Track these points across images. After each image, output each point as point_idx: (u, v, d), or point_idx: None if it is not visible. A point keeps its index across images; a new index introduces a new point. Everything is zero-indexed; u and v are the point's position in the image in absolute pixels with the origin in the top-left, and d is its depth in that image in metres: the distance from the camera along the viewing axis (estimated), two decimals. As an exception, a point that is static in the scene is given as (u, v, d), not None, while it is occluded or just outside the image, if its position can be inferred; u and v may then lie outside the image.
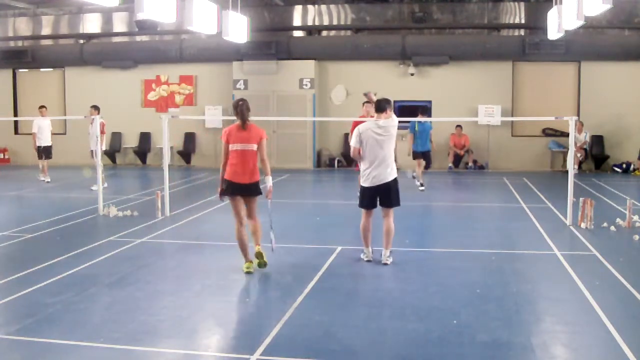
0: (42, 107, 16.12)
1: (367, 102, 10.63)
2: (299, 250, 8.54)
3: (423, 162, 14.41)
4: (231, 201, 7.29)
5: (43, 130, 15.72)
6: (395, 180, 7.61)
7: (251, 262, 7.24)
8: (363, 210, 7.69)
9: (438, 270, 7.49)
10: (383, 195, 7.57)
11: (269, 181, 7.36)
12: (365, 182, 7.57)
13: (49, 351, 4.93)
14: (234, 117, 7.27)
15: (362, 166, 7.59)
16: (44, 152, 15.81)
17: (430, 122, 14.81)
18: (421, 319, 5.67)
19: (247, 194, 7.26)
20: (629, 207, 9.90)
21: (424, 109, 15.28)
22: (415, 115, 14.49)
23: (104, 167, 14.48)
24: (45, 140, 15.74)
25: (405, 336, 5.25)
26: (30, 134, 16.12)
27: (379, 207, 7.67)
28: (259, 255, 7.20)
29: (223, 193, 7.28)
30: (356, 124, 11.72)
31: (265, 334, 5.22)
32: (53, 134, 16.20)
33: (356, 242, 8.86)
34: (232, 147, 7.18)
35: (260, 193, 7.39)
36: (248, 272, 7.16)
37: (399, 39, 18.95)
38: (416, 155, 14.39)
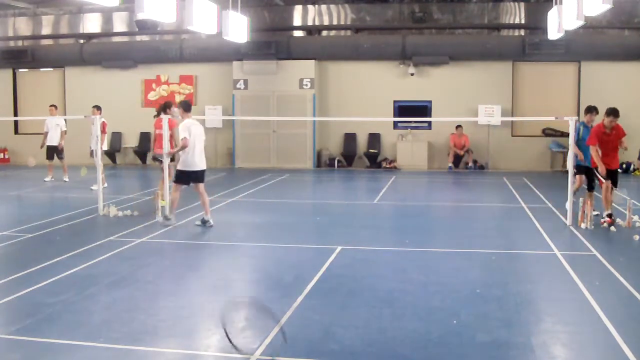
0: (50, 105, 16.11)
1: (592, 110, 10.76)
2: (299, 250, 8.54)
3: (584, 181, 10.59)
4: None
5: (49, 129, 15.65)
6: None
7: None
8: (175, 185, 9.98)
9: (438, 270, 7.48)
10: (199, 176, 9.98)
11: None
12: (188, 167, 9.83)
13: (49, 351, 4.93)
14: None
15: (184, 154, 9.78)
16: (48, 152, 15.79)
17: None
18: (421, 319, 5.67)
19: None
20: (629, 207, 9.90)
21: (593, 108, 10.82)
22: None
23: (104, 167, 14.46)
24: (49, 140, 15.69)
25: (405, 336, 5.25)
26: (31, 133, 16.08)
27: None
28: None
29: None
30: (596, 129, 9.86)
31: (265, 334, 5.22)
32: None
33: (356, 242, 8.90)
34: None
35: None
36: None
37: (399, 39, 18.96)
38: (580, 169, 10.48)
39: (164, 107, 11.66)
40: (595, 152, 9.75)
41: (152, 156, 11.58)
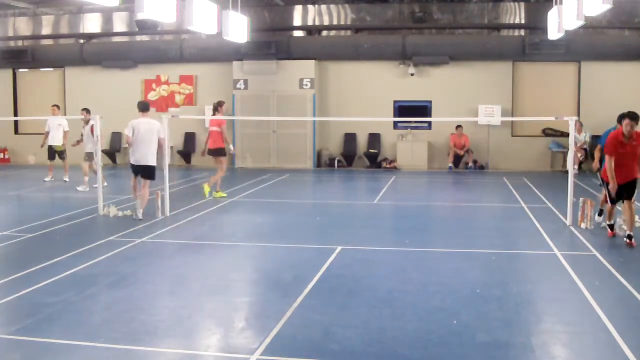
0: (53, 105, 16.10)
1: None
2: (299, 250, 8.54)
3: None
4: None
5: (51, 129, 15.59)
6: (154, 163, 10.69)
7: None
8: (134, 178, 10.83)
9: (438, 270, 7.48)
10: (143, 171, 10.61)
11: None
12: (131, 161, 10.64)
13: (49, 351, 4.93)
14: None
15: (134, 149, 10.54)
16: (49, 152, 15.73)
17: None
18: (421, 319, 5.67)
19: None
20: (629, 207, 9.87)
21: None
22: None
23: (104, 167, 14.46)
24: (51, 140, 15.64)
25: (405, 336, 5.25)
26: (31, 133, 16.05)
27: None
28: None
29: None
30: (614, 136, 8.60)
31: (265, 334, 5.22)
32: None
33: (356, 242, 8.90)
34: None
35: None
36: None
37: (399, 39, 18.95)
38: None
39: (217, 105, 12.88)
40: (609, 164, 8.55)
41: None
